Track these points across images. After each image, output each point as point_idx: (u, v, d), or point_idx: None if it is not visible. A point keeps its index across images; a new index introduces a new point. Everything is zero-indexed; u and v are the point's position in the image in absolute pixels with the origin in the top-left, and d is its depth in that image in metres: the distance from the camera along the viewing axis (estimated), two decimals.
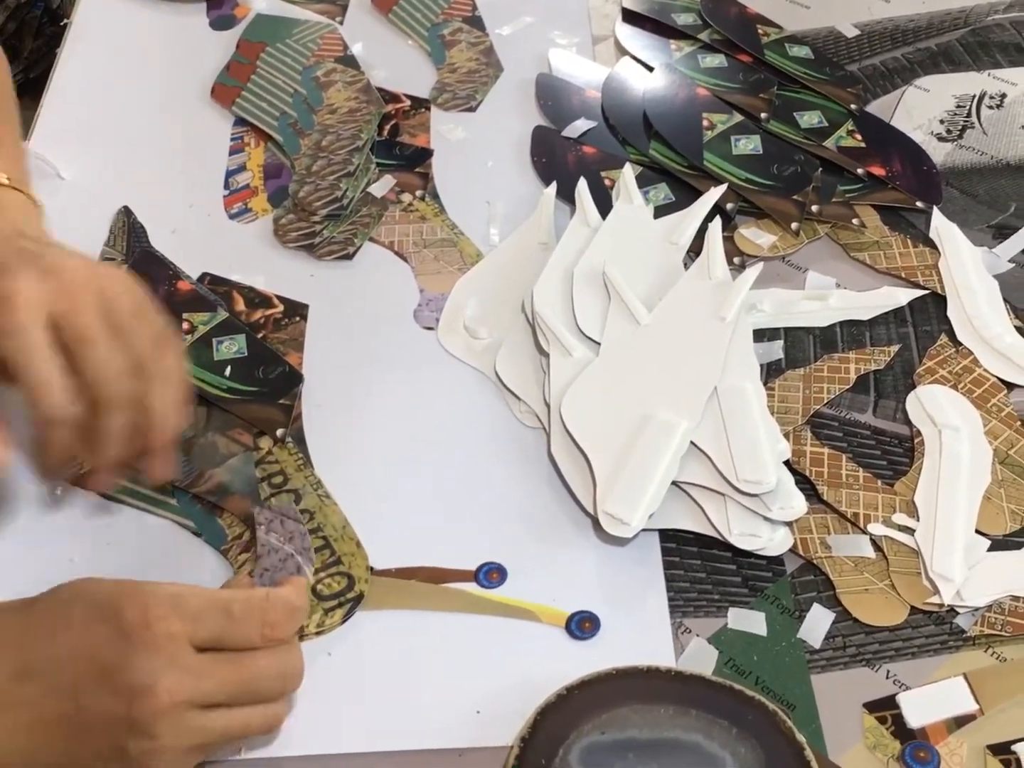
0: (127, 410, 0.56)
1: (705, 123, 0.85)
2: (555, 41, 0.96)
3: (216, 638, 0.50)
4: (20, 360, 0.53)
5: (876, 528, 0.62)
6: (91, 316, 0.55)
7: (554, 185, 0.81)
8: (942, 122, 0.88)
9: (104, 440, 0.56)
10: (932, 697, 0.56)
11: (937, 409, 0.67)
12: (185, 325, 0.72)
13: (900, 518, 0.62)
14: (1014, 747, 0.54)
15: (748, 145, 0.83)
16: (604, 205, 0.79)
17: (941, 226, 0.78)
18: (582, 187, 0.80)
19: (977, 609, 0.59)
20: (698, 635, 0.59)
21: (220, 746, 0.53)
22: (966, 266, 0.75)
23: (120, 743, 0.48)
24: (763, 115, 0.86)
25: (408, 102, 0.90)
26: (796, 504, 0.62)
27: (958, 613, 0.59)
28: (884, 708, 0.56)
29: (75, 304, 0.55)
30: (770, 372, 0.70)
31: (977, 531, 0.62)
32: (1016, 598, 0.59)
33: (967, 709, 0.55)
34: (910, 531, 0.61)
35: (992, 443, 0.66)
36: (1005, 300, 0.74)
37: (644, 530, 0.61)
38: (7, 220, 0.65)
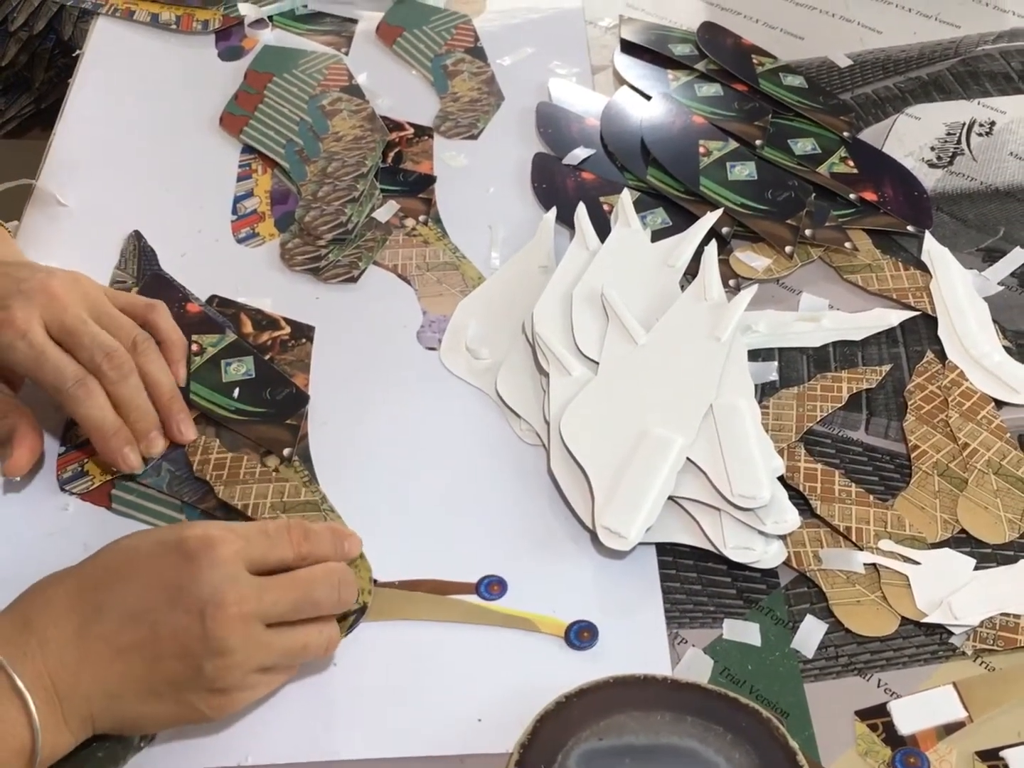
0: (129, 378, 0.66)
1: (701, 150, 0.87)
2: (555, 71, 0.98)
3: (262, 556, 0.55)
4: (31, 359, 0.64)
5: (867, 557, 0.63)
6: (75, 311, 0.66)
7: (554, 210, 0.83)
8: (933, 149, 0.90)
9: (126, 409, 0.66)
10: (922, 705, 0.57)
11: None
12: (195, 347, 0.74)
13: (887, 544, 0.64)
14: (1002, 753, 0.55)
15: (743, 171, 0.85)
16: (603, 229, 0.81)
17: (933, 249, 0.80)
18: (581, 212, 0.82)
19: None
20: (694, 645, 0.60)
21: (284, 669, 0.56)
22: (957, 288, 0.77)
23: (196, 662, 0.52)
24: (758, 142, 0.88)
25: (411, 130, 0.93)
26: (790, 518, 0.63)
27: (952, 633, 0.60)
28: (875, 716, 0.57)
29: (61, 308, 0.65)
30: (764, 391, 0.72)
31: (977, 540, 0.64)
32: (1007, 613, 0.60)
33: (956, 717, 0.57)
34: (901, 557, 0.63)
35: (985, 454, 0.67)
36: (994, 321, 0.76)
37: (641, 544, 0.63)
38: None
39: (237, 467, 0.68)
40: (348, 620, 0.61)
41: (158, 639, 0.52)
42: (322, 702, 0.58)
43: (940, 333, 0.75)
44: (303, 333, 0.77)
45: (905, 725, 0.56)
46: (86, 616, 0.52)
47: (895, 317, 0.76)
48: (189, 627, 0.52)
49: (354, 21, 1.05)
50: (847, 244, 0.81)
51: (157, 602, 0.52)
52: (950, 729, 0.56)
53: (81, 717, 0.52)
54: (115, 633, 0.52)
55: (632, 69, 0.97)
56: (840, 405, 0.71)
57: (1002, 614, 0.60)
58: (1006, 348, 0.74)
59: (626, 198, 0.83)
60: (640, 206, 0.83)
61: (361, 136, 0.90)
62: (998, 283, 0.79)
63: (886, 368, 0.74)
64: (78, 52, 1.03)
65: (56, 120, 0.95)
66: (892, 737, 0.56)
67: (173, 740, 0.57)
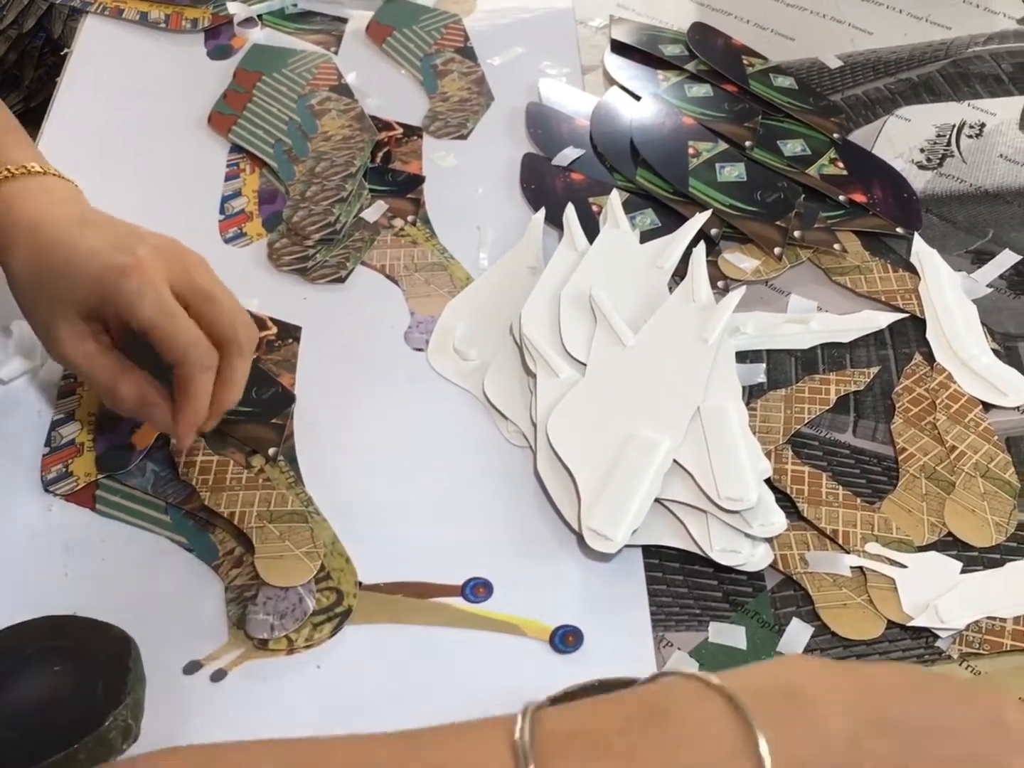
0: (249, 357, 0.62)
1: (691, 151, 0.87)
2: (545, 71, 0.98)
3: None
4: (161, 313, 0.59)
5: (854, 560, 0.63)
6: (205, 277, 0.62)
7: (543, 211, 0.83)
8: (923, 151, 0.90)
9: (229, 386, 0.61)
10: None
11: None
12: None
13: (873, 547, 0.63)
14: None
15: (733, 172, 0.85)
16: (591, 230, 0.80)
17: (922, 251, 0.80)
18: (570, 213, 0.81)
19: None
20: (679, 648, 0.60)
21: None
22: (945, 290, 0.77)
23: None
24: (747, 143, 0.88)
25: (400, 130, 0.92)
26: (776, 521, 0.63)
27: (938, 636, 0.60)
28: None
29: (197, 269, 0.61)
30: (752, 393, 0.72)
31: (964, 543, 0.64)
32: (993, 617, 0.60)
33: None
34: (887, 560, 0.63)
35: (972, 457, 0.67)
36: (983, 323, 0.75)
37: (627, 546, 0.62)
38: (81, 205, 0.67)
39: (223, 472, 0.67)
40: (333, 623, 0.61)
41: None
42: (305, 705, 0.58)
43: (928, 335, 0.75)
44: (290, 333, 0.76)
45: None
46: (862, 719, 0.40)
47: (884, 319, 0.76)
48: None
49: (344, 20, 1.05)
50: (836, 246, 0.81)
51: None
52: None
53: None
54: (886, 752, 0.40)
55: (622, 69, 0.97)
56: (828, 407, 0.71)
57: (988, 618, 0.60)
58: (994, 351, 0.74)
59: (615, 199, 0.83)
60: (629, 207, 0.83)
61: (350, 136, 0.90)
62: (987, 285, 0.79)
63: (874, 370, 0.73)
64: (67, 51, 1.03)
65: (44, 119, 0.94)
66: None
67: (155, 744, 0.56)
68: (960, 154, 0.89)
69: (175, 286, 0.60)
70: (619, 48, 0.99)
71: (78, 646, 0.58)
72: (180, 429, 0.61)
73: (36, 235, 0.63)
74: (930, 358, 0.74)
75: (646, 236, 0.81)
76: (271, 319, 0.77)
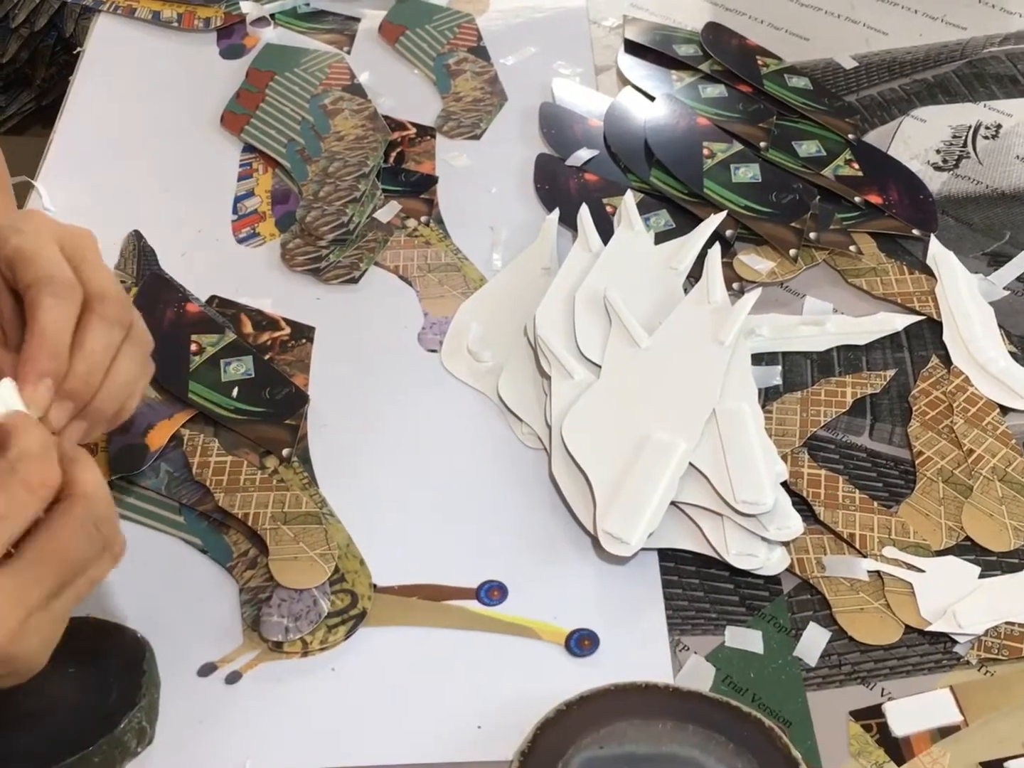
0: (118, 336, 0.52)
1: (705, 152, 0.86)
2: (558, 71, 0.98)
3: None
4: (28, 241, 0.51)
5: (871, 564, 0.62)
6: (94, 249, 0.54)
7: (556, 211, 0.83)
8: (938, 152, 0.89)
9: (84, 353, 0.50)
10: (917, 707, 0.57)
11: None
12: (194, 346, 0.73)
13: (891, 551, 0.63)
14: (1006, 764, 0.54)
15: (747, 173, 0.85)
16: (605, 231, 0.80)
17: (938, 253, 0.80)
18: (584, 213, 0.81)
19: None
20: (696, 652, 0.60)
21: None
22: (962, 292, 0.77)
23: None
24: (762, 144, 0.87)
25: (413, 130, 0.92)
26: (793, 524, 0.63)
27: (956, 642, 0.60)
28: (870, 716, 0.57)
29: (86, 239, 0.54)
30: (768, 395, 0.72)
31: (982, 548, 0.63)
32: (1012, 622, 0.60)
33: (951, 720, 0.56)
34: (905, 564, 0.62)
35: (990, 461, 0.67)
36: (1000, 326, 0.75)
37: (643, 549, 0.62)
38: None
39: (237, 473, 0.67)
40: (348, 625, 0.61)
41: None
42: (320, 709, 0.58)
43: (945, 338, 0.74)
44: (303, 334, 0.76)
45: (899, 727, 0.56)
46: None
47: (900, 321, 0.76)
48: None
49: (356, 19, 1.04)
50: (852, 247, 0.80)
51: None
52: (945, 732, 0.56)
53: None
54: None
55: (636, 69, 0.97)
56: (844, 410, 0.71)
57: (1007, 623, 0.60)
58: (1012, 353, 0.73)
59: (629, 200, 0.82)
60: (643, 208, 0.83)
61: (363, 136, 0.89)
62: (1004, 288, 0.78)
63: (890, 373, 0.73)
64: (79, 49, 1.03)
65: (56, 118, 0.94)
66: (886, 738, 0.56)
67: (170, 746, 0.57)
68: (976, 155, 0.89)
69: (63, 243, 0.52)
70: (633, 48, 0.99)
71: (92, 648, 0.58)
72: (24, 375, 0.48)
73: None
74: (947, 361, 0.73)
75: (660, 237, 0.81)
76: (284, 319, 0.77)
